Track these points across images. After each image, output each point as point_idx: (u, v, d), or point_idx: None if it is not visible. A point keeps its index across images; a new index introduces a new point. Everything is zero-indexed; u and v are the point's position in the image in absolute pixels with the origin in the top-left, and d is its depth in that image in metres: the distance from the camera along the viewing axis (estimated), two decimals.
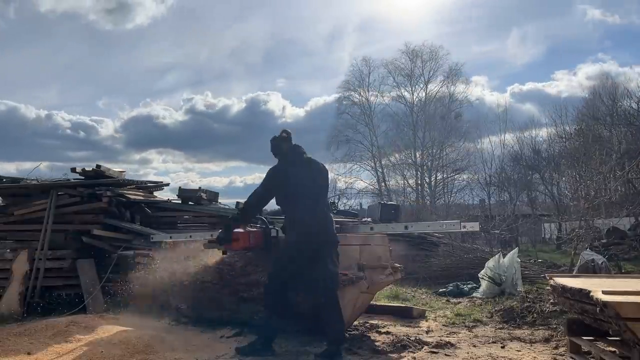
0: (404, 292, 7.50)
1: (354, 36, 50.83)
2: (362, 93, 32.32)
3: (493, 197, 24.53)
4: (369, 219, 6.68)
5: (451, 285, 7.89)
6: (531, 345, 4.35)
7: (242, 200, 8.42)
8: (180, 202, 8.17)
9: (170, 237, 6.22)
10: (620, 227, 14.10)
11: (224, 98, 56.53)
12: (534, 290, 6.82)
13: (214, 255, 5.07)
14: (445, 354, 4.09)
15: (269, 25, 54.58)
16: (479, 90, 34.80)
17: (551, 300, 5.29)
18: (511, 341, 4.51)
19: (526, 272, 8.23)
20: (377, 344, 4.39)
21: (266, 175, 4.33)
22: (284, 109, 47.15)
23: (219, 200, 8.79)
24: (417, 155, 31.06)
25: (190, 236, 5.87)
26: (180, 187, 8.33)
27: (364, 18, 51.70)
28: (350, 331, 4.81)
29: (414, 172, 31.11)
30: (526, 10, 51.30)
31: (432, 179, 30.93)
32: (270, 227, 4.68)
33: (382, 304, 6.31)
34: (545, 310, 5.35)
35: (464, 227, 4.46)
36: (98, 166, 7.61)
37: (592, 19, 47.89)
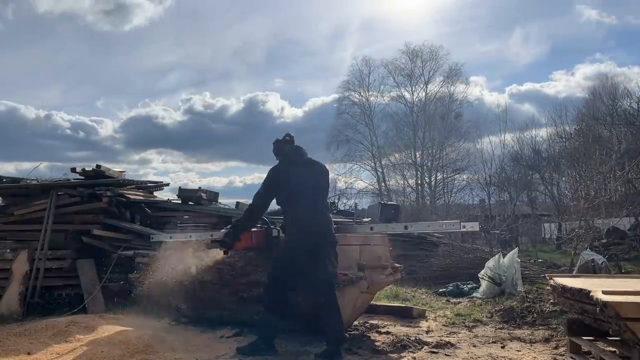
0: (404, 292, 7.51)
1: (356, 36, 50.88)
2: (362, 93, 32.37)
3: (493, 197, 24.59)
4: (368, 219, 6.68)
5: (451, 285, 7.89)
6: (531, 345, 4.35)
7: (242, 201, 8.48)
8: (180, 202, 8.17)
9: (170, 237, 6.21)
10: (620, 227, 14.10)
11: (223, 98, 56.56)
12: (534, 290, 6.82)
13: (214, 255, 5.07)
14: (445, 354, 4.09)
15: (271, 25, 54.59)
16: (478, 91, 34.82)
17: (551, 300, 5.29)
18: (511, 341, 4.51)
19: (526, 272, 8.23)
20: (377, 344, 4.39)
21: (267, 175, 4.34)
22: (283, 110, 47.26)
23: (219, 200, 8.80)
24: (417, 155, 31.09)
25: (190, 236, 5.87)
26: (180, 187, 8.34)
27: (366, 18, 51.80)
28: (350, 331, 4.81)
29: (414, 172, 31.14)
30: (525, 10, 51.37)
31: (432, 179, 30.97)
32: (271, 227, 4.68)
33: (382, 304, 6.31)
34: (545, 310, 5.35)
35: (464, 227, 4.46)
36: (98, 166, 7.61)
37: (589, 19, 48.01)
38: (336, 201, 12.21)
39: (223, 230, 4.84)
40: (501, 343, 4.44)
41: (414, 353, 4.13)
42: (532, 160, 27.13)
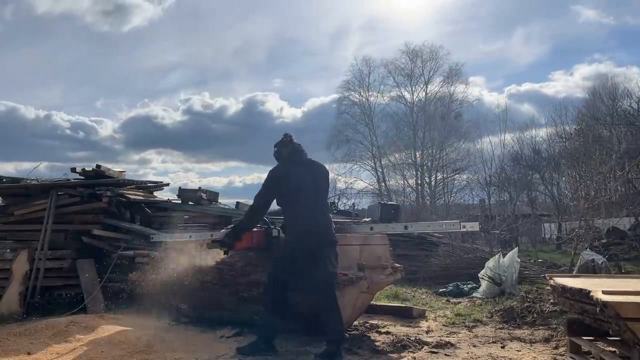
0: (404, 292, 7.51)
1: (358, 36, 50.90)
2: (362, 93, 32.37)
3: (493, 197, 24.56)
4: (368, 219, 6.67)
5: (451, 285, 7.89)
6: (531, 345, 4.35)
7: (242, 201, 8.49)
8: (180, 202, 8.17)
9: (170, 237, 6.21)
10: (620, 227, 14.09)
11: (222, 99, 56.50)
12: (534, 290, 6.82)
13: (214, 255, 5.07)
14: (445, 354, 4.09)
15: (272, 24, 54.63)
16: (477, 91, 34.84)
17: (551, 300, 5.29)
18: (511, 341, 4.51)
19: (526, 272, 8.23)
20: (377, 344, 4.39)
21: (267, 176, 4.34)
22: (282, 110, 47.30)
23: (219, 201, 8.80)
24: (417, 155, 31.08)
25: (190, 236, 5.87)
26: (180, 187, 8.34)
27: (367, 18, 51.84)
28: (350, 331, 4.81)
29: (414, 172, 31.14)
30: (524, 11, 51.46)
31: (432, 179, 30.96)
32: (272, 227, 4.69)
33: (382, 304, 6.31)
34: (545, 310, 5.36)
35: (464, 227, 4.46)
36: (98, 166, 7.60)
37: (587, 19, 48.05)
38: (336, 201, 12.20)
39: (223, 230, 4.85)
40: (501, 343, 4.44)
41: (414, 353, 4.13)
42: (532, 160, 27.13)
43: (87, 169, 7.58)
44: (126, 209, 7.56)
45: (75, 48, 55.11)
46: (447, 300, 7.10)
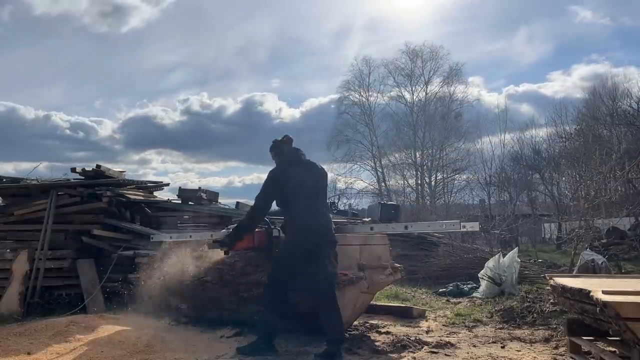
0: (404, 292, 7.51)
1: (360, 35, 50.85)
2: (362, 93, 32.38)
3: (493, 197, 24.55)
4: (368, 219, 6.68)
5: (451, 285, 7.89)
6: (531, 345, 4.35)
7: (242, 201, 8.50)
8: (180, 202, 8.17)
9: (170, 237, 6.21)
10: (620, 227, 14.09)
11: (221, 99, 56.52)
12: (534, 290, 6.82)
13: (214, 255, 5.07)
14: (445, 354, 4.09)
15: (274, 24, 54.63)
16: (477, 91, 34.78)
17: (551, 300, 5.29)
18: (511, 341, 4.51)
19: (526, 272, 8.23)
20: (377, 344, 4.39)
21: (267, 178, 4.34)
22: (280, 110, 47.34)
23: (219, 200, 8.80)
24: (417, 155, 31.09)
25: (190, 236, 5.87)
26: (180, 187, 8.36)
27: (369, 17, 51.81)
28: (350, 331, 4.81)
29: (414, 172, 31.15)
30: (523, 11, 51.49)
31: (432, 179, 30.98)
32: (272, 227, 4.69)
33: (382, 304, 6.31)
34: (545, 310, 5.36)
35: (464, 227, 4.46)
36: (98, 166, 7.60)
37: (584, 20, 48.11)
38: (336, 201, 12.20)
39: (224, 230, 4.85)
40: (501, 343, 4.44)
41: (414, 353, 4.13)
42: (532, 160, 27.13)
43: (87, 169, 7.58)
44: (126, 209, 7.56)
45: (75, 48, 55.27)
46: (447, 300, 7.10)
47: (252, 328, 4.48)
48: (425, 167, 31.00)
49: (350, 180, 31.49)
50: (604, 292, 2.87)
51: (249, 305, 4.62)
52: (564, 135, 27.09)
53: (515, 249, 7.93)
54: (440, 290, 7.80)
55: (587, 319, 3.41)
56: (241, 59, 53.62)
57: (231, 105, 49.75)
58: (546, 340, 4.47)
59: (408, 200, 28.93)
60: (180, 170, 48.76)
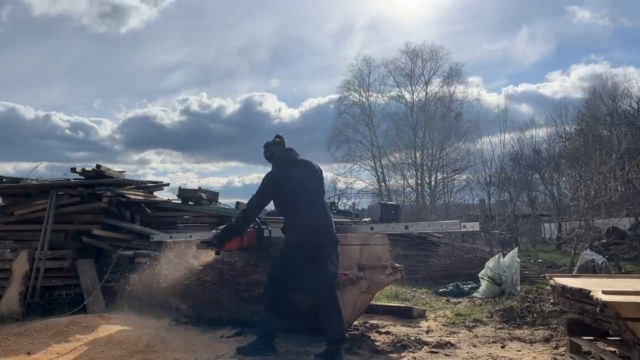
0: (404, 292, 7.50)
1: (361, 35, 50.80)
2: (362, 93, 32.38)
3: (493, 197, 24.54)
4: (368, 219, 6.67)
5: (451, 285, 7.89)
6: (531, 345, 4.35)
7: (242, 201, 8.49)
8: (180, 202, 8.17)
9: (170, 237, 6.22)
10: (620, 227, 14.09)
11: (220, 99, 56.50)
12: (534, 290, 6.82)
13: (213, 255, 5.07)
14: (445, 354, 4.09)
15: (275, 24, 54.64)
16: (476, 91, 34.77)
17: (551, 300, 5.29)
18: (511, 341, 4.51)
19: (526, 272, 8.23)
20: (377, 344, 4.39)
21: (264, 182, 4.32)
22: (280, 110, 47.34)
23: (219, 200, 8.80)
24: (417, 155, 31.07)
25: (191, 236, 5.87)
26: (180, 187, 8.35)
27: (370, 17, 51.77)
28: (350, 331, 4.81)
29: (414, 172, 31.14)
30: (522, 11, 51.50)
31: (432, 179, 30.97)
32: (263, 227, 4.69)
33: (382, 304, 6.31)
34: (545, 310, 5.35)
35: (464, 227, 4.46)
36: (98, 166, 7.60)
37: (582, 20, 48.14)
38: (336, 201, 12.20)
39: (214, 231, 4.85)
40: (501, 343, 4.44)
41: (414, 353, 4.13)
42: (532, 160, 27.12)
43: (87, 169, 7.58)
44: (126, 209, 7.56)
45: (74, 49, 55.30)
46: (447, 300, 7.10)
47: (252, 328, 4.48)
48: (425, 167, 31.00)
49: (350, 180, 31.52)
50: (604, 292, 2.87)
51: (249, 305, 4.62)
52: (564, 135, 27.11)
53: (515, 249, 7.93)
54: (440, 290, 7.80)
55: (587, 319, 3.41)
56: (242, 58, 53.67)
57: (230, 106, 49.83)
58: (546, 340, 4.47)
59: (408, 200, 28.94)
60: (180, 171, 48.83)
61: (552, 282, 3.89)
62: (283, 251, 4.30)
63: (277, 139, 4.40)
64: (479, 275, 7.44)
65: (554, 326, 4.91)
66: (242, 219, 4.44)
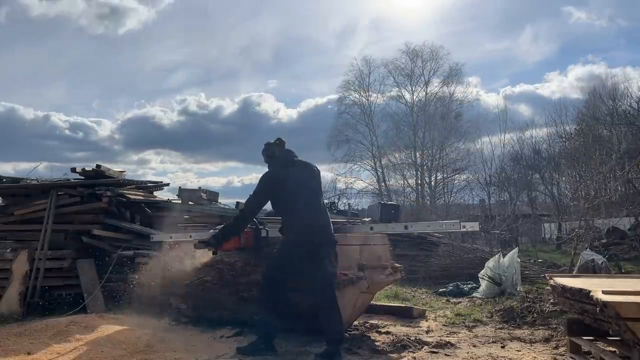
0: (404, 292, 7.50)
1: (364, 35, 50.79)
2: (362, 93, 32.40)
3: (493, 197, 24.58)
4: (368, 219, 6.67)
5: (451, 285, 7.89)
6: (531, 345, 4.35)
7: (242, 200, 8.49)
8: (180, 202, 8.17)
9: (171, 237, 6.21)
10: (620, 227, 14.09)
11: (218, 99, 56.47)
12: (534, 290, 6.82)
13: (213, 255, 5.07)
14: (445, 354, 4.09)
15: (278, 23, 54.67)
16: (476, 92, 34.79)
17: (551, 300, 5.29)
18: (511, 341, 4.51)
19: (526, 272, 8.23)
20: (377, 344, 4.39)
21: (262, 182, 4.31)
22: (278, 111, 47.37)
23: (219, 200, 8.80)
24: (417, 155, 31.11)
25: (191, 236, 5.87)
26: (180, 187, 8.36)
27: (371, 17, 51.84)
28: (350, 331, 4.81)
29: (414, 172, 31.18)
30: (521, 12, 51.57)
31: (432, 179, 31.00)
32: (260, 227, 4.69)
33: (382, 304, 6.31)
34: (545, 310, 5.35)
35: (464, 227, 4.46)
36: (98, 166, 7.60)
37: (578, 20, 48.17)
38: (336, 201, 12.21)
39: (211, 231, 4.85)
40: (501, 343, 4.44)
41: (414, 353, 4.13)
42: (532, 160, 27.13)
43: (87, 169, 7.57)
44: (126, 209, 7.56)
45: (74, 49, 55.36)
46: (447, 300, 7.10)
47: (252, 328, 4.48)
48: (425, 167, 31.03)
49: (350, 180, 31.58)
50: (604, 292, 2.87)
51: (249, 305, 4.62)
52: (564, 135, 27.13)
53: (515, 249, 7.93)
54: (440, 290, 7.80)
55: (587, 319, 3.41)
56: (244, 58, 53.64)
57: (229, 106, 49.85)
58: (546, 340, 4.47)
59: (408, 200, 28.97)
60: (179, 171, 48.84)
61: (552, 282, 3.89)
62: (281, 251, 4.29)
63: (277, 141, 4.42)
64: (479, 275, 7.44)
65: (554, 326, 4.91)
66: (240, 219, 4.44)
